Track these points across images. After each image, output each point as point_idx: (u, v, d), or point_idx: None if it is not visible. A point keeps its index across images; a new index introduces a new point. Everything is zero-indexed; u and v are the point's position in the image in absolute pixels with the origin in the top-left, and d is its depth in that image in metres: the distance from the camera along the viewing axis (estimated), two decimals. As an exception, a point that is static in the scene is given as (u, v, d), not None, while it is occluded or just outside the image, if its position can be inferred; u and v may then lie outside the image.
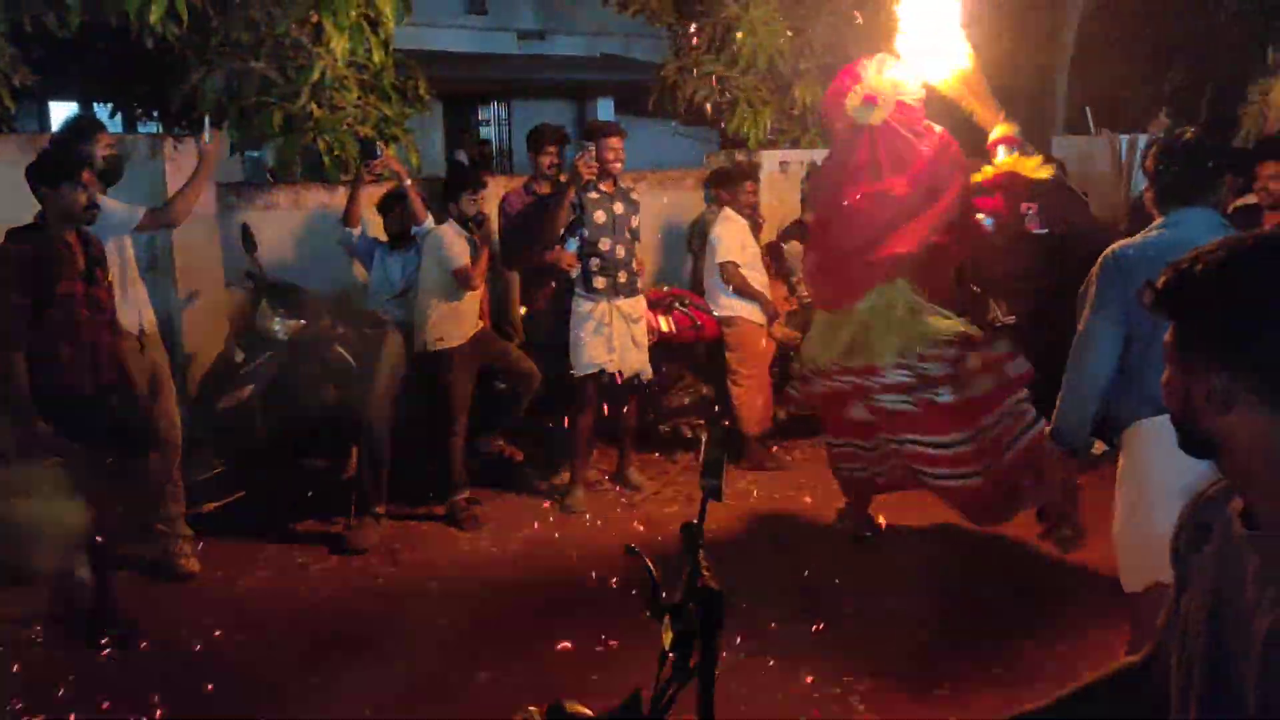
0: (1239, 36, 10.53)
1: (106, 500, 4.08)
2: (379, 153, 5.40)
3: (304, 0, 5.15)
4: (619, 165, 5.44)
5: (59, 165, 4.12)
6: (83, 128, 4.76)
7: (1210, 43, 10.52)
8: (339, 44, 5.11)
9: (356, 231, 5.54)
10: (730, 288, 6.05)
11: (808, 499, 5.73)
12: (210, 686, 3.80)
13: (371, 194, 5.72)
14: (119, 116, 8.17)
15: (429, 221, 5.43)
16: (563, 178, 5.66)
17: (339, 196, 5.76)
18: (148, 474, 4.58)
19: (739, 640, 3.91)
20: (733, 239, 6.06)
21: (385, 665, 3.96)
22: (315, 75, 5.45)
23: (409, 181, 5.39)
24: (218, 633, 4.20)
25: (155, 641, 4.14)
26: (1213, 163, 3.23)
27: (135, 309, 4.68)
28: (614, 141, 5.43)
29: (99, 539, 4.10)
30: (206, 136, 4.97)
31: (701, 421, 6.34)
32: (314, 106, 5.53)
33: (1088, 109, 9.32)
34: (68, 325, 4.08)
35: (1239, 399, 1.24)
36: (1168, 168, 3.21)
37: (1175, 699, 1.40)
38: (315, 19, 5.21)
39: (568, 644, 4.05)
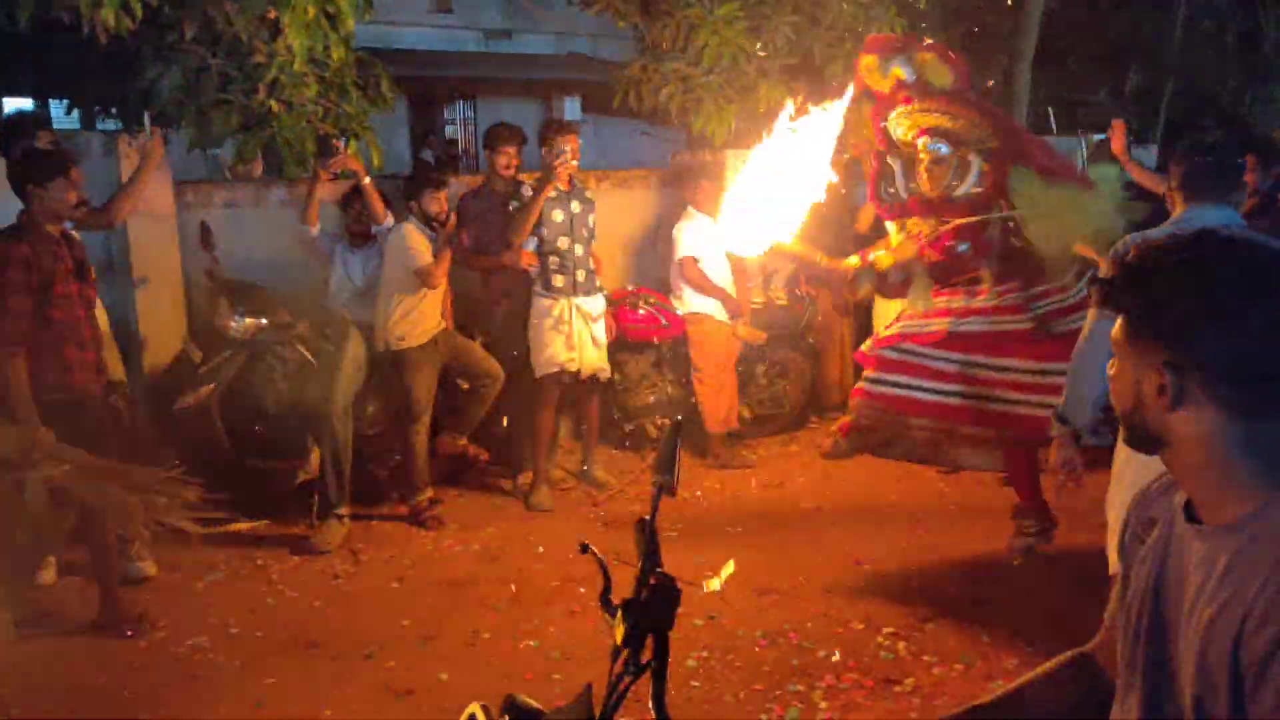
0: (1196, 39, 10.71)
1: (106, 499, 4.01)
2: (335, 150, 5.34)
3: (262, -5, 5.08)
4: (576, 163, 5.44)
5: (51, 162, 4.08)
6: (19, 122, 4.69)
7: (1168, 45, 10.68)
8: (297, 40, 5.03)
9: (314, 230, 5.50)
10: (681, 280, 6.09)
11: (773, 494, 5.76)
12: (164, 686, 3.76)
13: (332, 191, 5.68)
14: (76, 113, 8.03)
15: (389, 220, 5.40)
16: (523, 177, 5.64)
17: (299, 194, 5.71)
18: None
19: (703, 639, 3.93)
20: (693, 236, 6.07)
21: (345, 664, 3.92)
22: (273, 72, 5.37)
23: (367, 179, 5.34)
24: (162, 634, 4.15)
25: (95, 640, 4.09)
26: (1234, 163, 3.35)
27: None
28: (569, 140, 5.44)
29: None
30: (146, 134, 4.92)
31: (667, 420, 6.35)
32: (273, 103, 5.45)
33: (1050, 110, 9.44)
34: (69, 325, 4.06)
35: (1187, 395, 1.25)
36: (1191, 166, 3.29)
37: (1120, 687, 1.42)
38: (273, 15, 5.13)
39: (530, 642, 4.04)
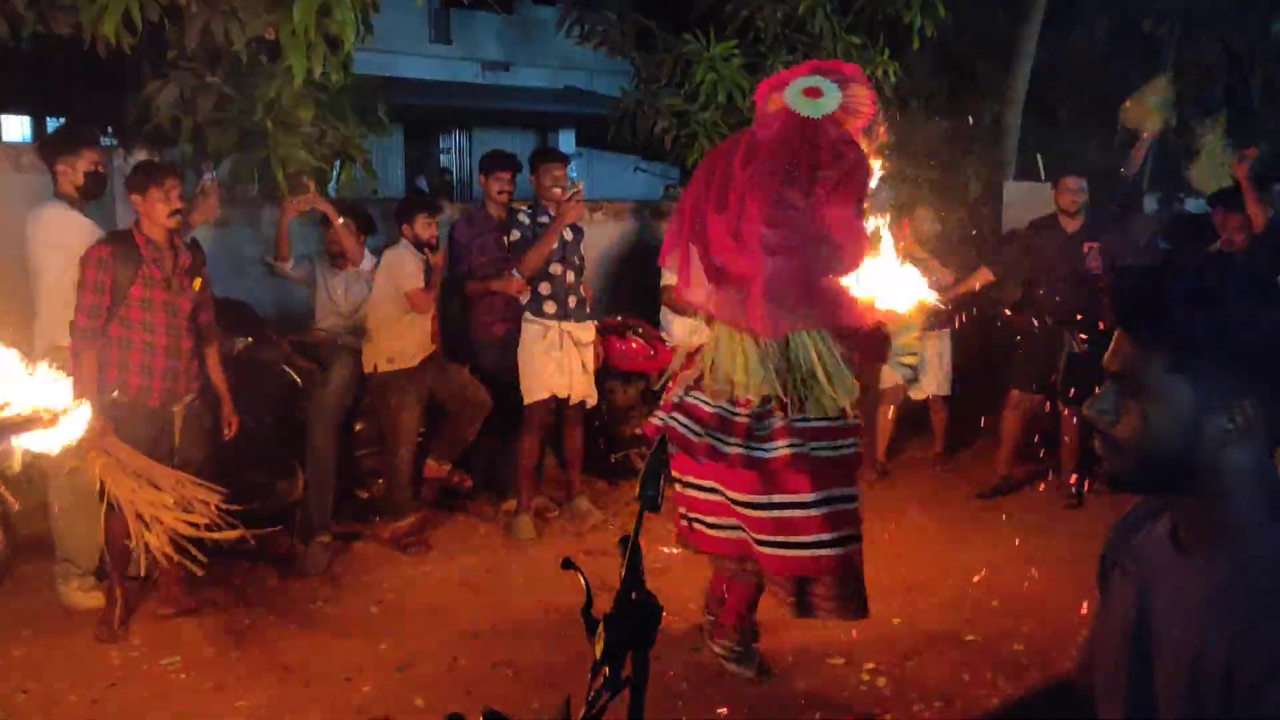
0: (1186, 94, 10.87)
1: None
2: (304, 187, 5.20)
3: (261, 15, 5.11)
4: (559, 190, 5.47)
5: (145, 174, 4.32)
6: (72, 138, 4.71)
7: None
8: (296, 61, 5.06)
9: (288, 266, 5.38)
10: (670, 312, 6.11)
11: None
12: (136, 703, 3.70)
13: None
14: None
15: (367, 262, 5.31)
16: (516, 204, 5.68)
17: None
18: None
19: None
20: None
21: (320, 689, 3.87)
22: (271, 92, 5.40)
23: (339, 220, 5.22)
24: (136, 652, 4.10)
25: (72, 651, 4.03)
26: None
27: None
28: (555, 168, 5.50)
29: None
30: (206, 179, 4.84)
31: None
32: (269, 123, 5.47)
33: (1039, 156, 9.55)
34: (142, 329, 4.20)
35: (1256, 431, 1.20)
36: None
37: (1101, 713, 1.41)
38: (273, 36, 5.17)
39: (508, 671, 4.00)
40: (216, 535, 4.18)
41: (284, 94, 5.40)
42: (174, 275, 4.30)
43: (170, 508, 3.97)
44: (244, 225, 5.99)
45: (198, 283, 4.41)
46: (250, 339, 5.23)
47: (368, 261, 5.34)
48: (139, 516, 3.92)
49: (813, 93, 3.75)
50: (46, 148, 4.74)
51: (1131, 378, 1.25)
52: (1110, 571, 1.45)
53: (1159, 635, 1.29)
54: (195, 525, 4.00)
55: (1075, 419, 5.98)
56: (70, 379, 2.44)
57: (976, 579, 4.74)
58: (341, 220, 5.24)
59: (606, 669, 1.56)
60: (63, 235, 4.39)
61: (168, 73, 5.35)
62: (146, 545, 3.95)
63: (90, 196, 4.63)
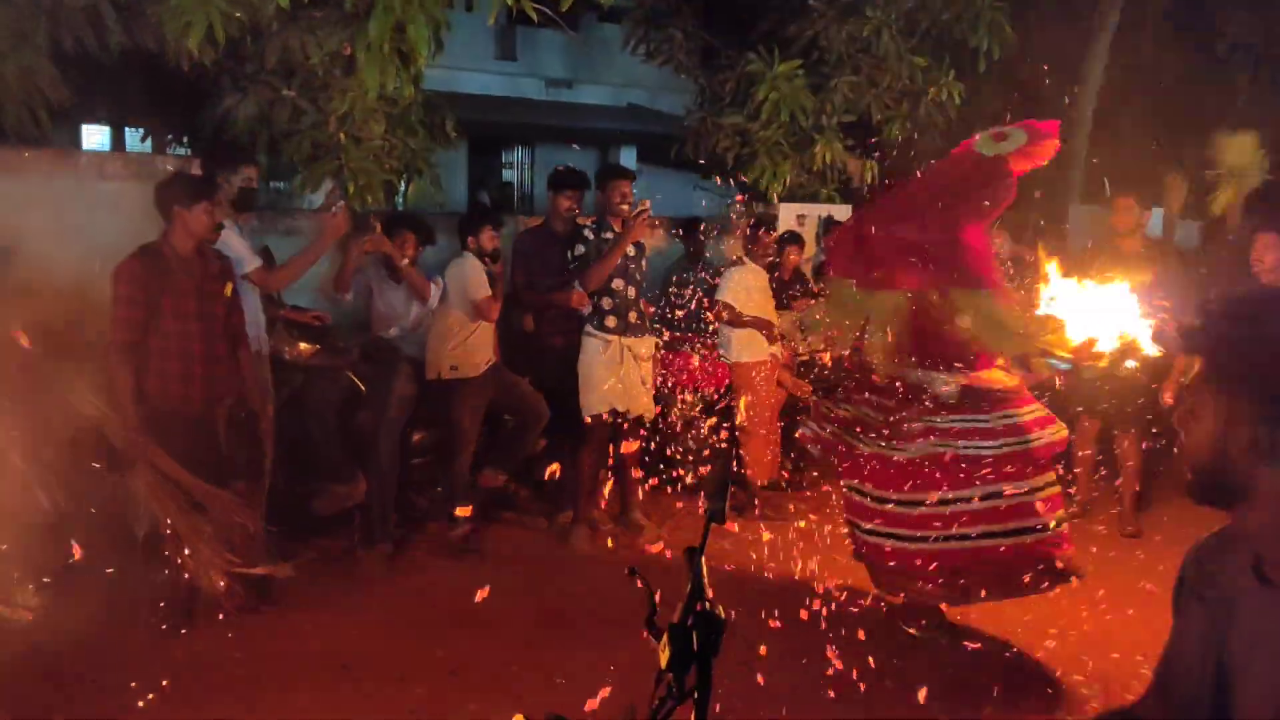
0: (1252, 111, 10.65)
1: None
2: (371, 228, 5.20)
3: (338, 31, 5.25)
4: (626, 207, 5.53)
5: (199, 188, 4.37)
6: (223, 158, 4.89)
7: (1223, 116, 10.63)
8: (370, 76, 5.20)
9: (348, 297, 5.40)
10: (728, 329, 6.13)
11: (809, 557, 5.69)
12: (193, 693, 3.79)
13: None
14: (149, 141, 8.31)
15: (434, 297, 5.36)
16: (580, 220, 5.74)
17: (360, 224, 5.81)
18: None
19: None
20: (738, 284, 6.13)
21: (375, 688, 3.93)
22: (345, 106, 5.54)
23: (404, 262, 5.27)
24: (196, 645, 4.19)
25: (131, 639, 4.14)
26: None
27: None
28: (624, 185, 5.56)
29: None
30: (334, 208, 4.91)
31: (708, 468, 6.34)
32: (342, 136, 5.62)
33: (1105, 179, 9.41)
34: (177, 340, 4.24)
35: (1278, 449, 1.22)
36: None
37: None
38: (348, 50, 5.31)
39: (560, 679, 4.02)
40: (251, 570, 4.27)
41: (357, 108, 5.54)
42: (204, 283, 4.34)
43: (210, 539, 4.04)
44: (313, 234, 6.11)
45: (228, 288, 4.47)
46: (318, 346, 5.34)
47: (434, 294, 5.36)
48: (177, 539, 4.00)
49: (999, 137, 4.46)
50: (207, 162, 4.91)
51: (1193, 391, 1.31)
52: (1187, 600, 1.43)
53: (1241, 667, 1.27)
54: (231, 561, 4.07)
55: (1132, 444, 5.89)
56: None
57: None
58: (405, 262, 5.26)
59: (671, 677, 1.58)
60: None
61: (245, 86, 5.52)
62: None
63: (244, 209, 4.84)
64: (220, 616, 4.41)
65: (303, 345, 5.32)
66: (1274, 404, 1.22)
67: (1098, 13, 9.58)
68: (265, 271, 4.82)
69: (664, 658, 1.60)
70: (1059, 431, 4.29)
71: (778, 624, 4.02)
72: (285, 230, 6.07)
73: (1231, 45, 11.02)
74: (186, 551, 4.06)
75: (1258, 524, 1.29)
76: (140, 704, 3.71)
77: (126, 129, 9.41)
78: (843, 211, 7.69)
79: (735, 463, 6.03)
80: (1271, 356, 1.23)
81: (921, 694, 3.90)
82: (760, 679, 3.82)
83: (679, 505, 6.21)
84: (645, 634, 1.65)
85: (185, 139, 6.96)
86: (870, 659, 4.02)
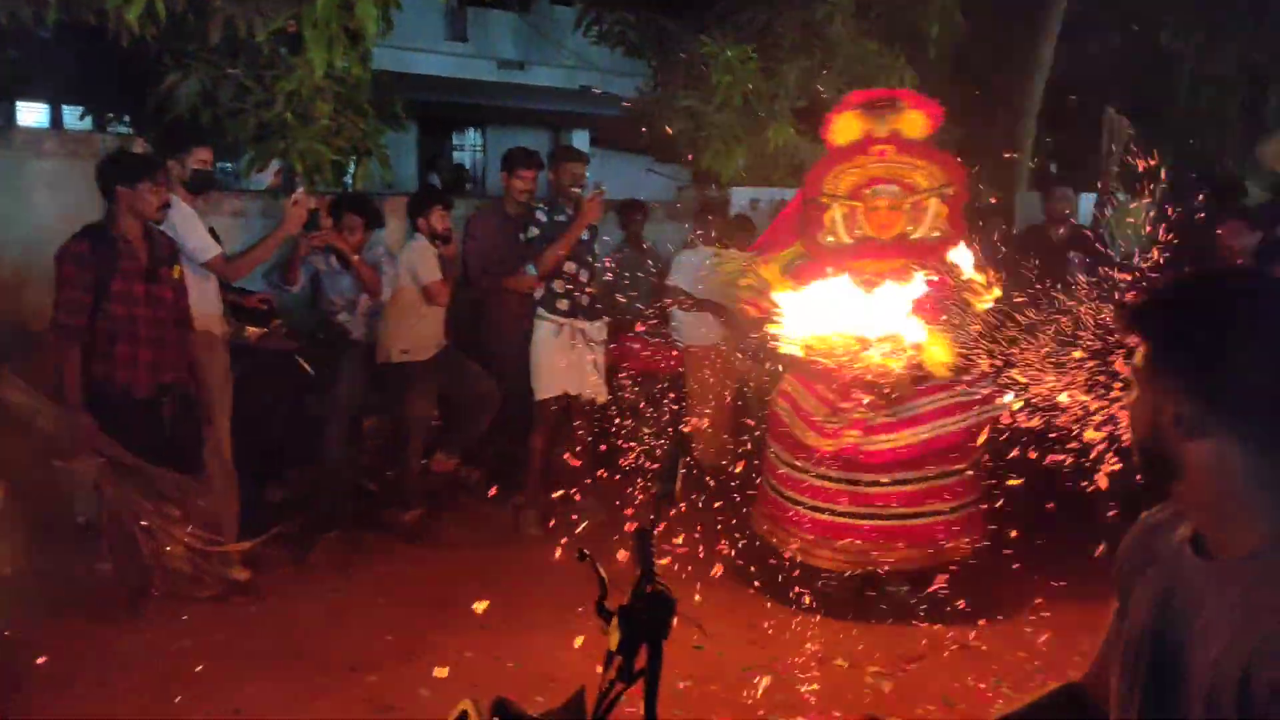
0: (1199, 105, 10.88)
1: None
2: (321, 224, 5.11)
3: (284, 8, 5.15)
4: (578, 191, 5.50)
5: (141, 165, 4.24)
6: (176, 140, 4.79)
7: (1170, 110, 10.85)
8: (317, 55, 5.11)
9: (294, 289, 5.31)
10: (680, 312, 6.14)
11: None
12: (145, 685, 3.73)
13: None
14: (89, 119, 8.11)
15: (386, 291, 5.29)
16: (535, 202, 5.69)
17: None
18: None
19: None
20: (690, 268, 6.13)
21: (327, 677, 3.90)
22: (292, 85, 5.44)
23: (355, 257, 5.18)
24: (147, 636, 4.13)
25: (84, 632, 4.06)
26: None
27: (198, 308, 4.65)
28: (576, 167, 5.52)
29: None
30: (296, 196, 4.84)
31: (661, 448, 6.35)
32: (289, 116, 5.52)
33: (1053, 166, 9.56)
34: (125, 322, 4.14)
35: (1206, 428, 1.25)
36: None
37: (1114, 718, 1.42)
38: (294, 28, 5.21)
39: (512, 664, 4.02)
40: (217, 549, 4.20)
41: (304, 87, 5.44)
42: (153, 267, 4.25)
43: (177, 520, 3.97)
44: (259, 217, 6.01)
45: (177, 270, 4.38)
46: (264, 330, 5.25)
47: (386, 289, 5.29)
48: (142, 526, 3.93)
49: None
50: (159, 144, 4.81)
51: (1135, 368, 1.34)
52: (1127, 576, 1.45)
53: (1180, 640, 1.29)
54: (199, 539, 4.01)
55: None
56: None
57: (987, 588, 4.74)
58: (356, 258, 5.17)
59: (621, 659, 1.58)
60: None
61: (188, 64, 5.39)
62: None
63: (198, 191, 4.76)
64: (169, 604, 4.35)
65: (249, 329, 5.24)
66: (1200, 380, 1.25)
67: (1045, 2, 9.68)
68: (225, 260, 4.73)
69: (614, 640, 1.60)
70: (965, 421, 4.50)
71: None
72: (232, 212, 5.95)
73: (1173, 35, 11.23)
74: (145, 537, 3.97)
75: (1190, 498, 1.32)
76: (84, 698, 3.65)
77: (65, 106, 9.19)
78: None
79: (685, 446, 6.04)
80: (1198, 334, 1.26)
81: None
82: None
83: (631, 488, 6.21)
84: (596, 618, 1.65)
85: (126, 117, 6.81)
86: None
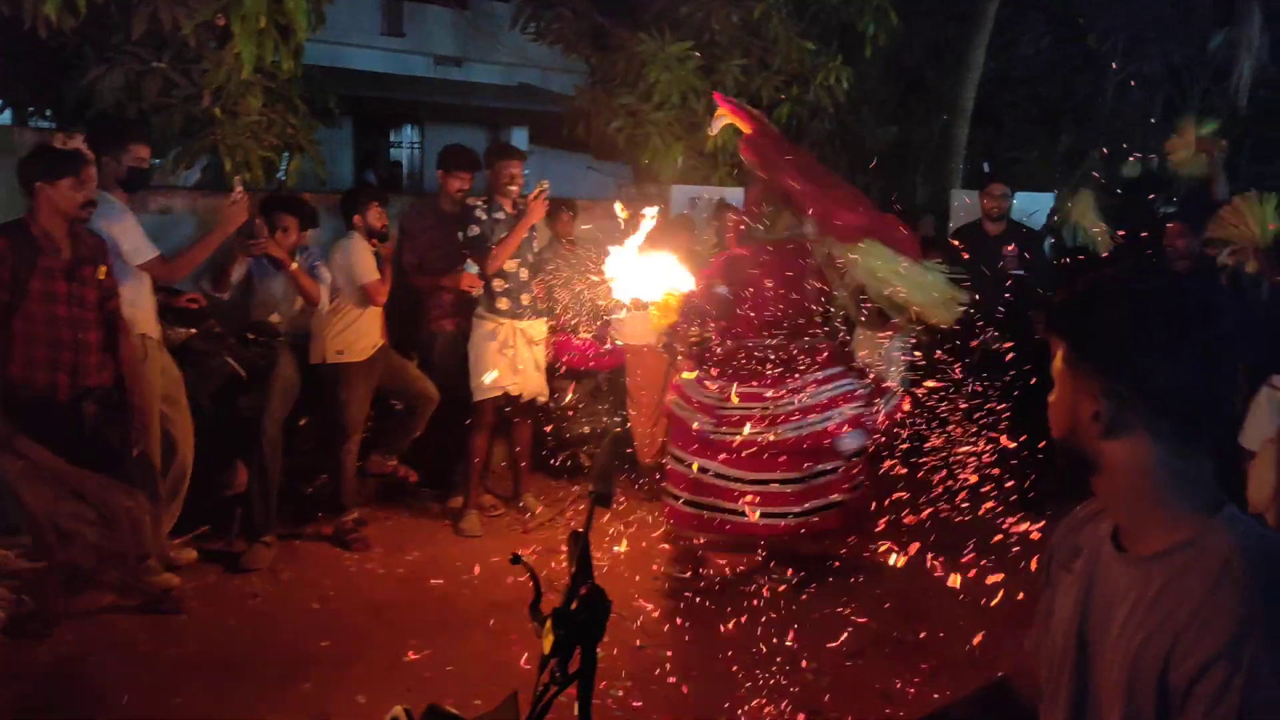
0: (1126, 104, 11.17)
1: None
2: (257, 232, 4.95)
3: (212, 1, 5.02)
4: (516, 189, 5.44)
5: (62, 161, 4.09)
6: (112, 136, 4.63)
7: (1098, 109, 11.13)
8: (246, 49, 4.98)
9: (226, 297, 5.16)
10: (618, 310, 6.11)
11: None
12: (65, 699, 3.61)
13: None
14: (8, 113, 7.85)
15: (324, 299, 5.16)
16: (470, 200, 5.63)
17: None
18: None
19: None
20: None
21: (258, 686, 3.81)
22: (220, 80, 5.31)
23: (294, 266, 5.03)
24: (67, 647, 4.00)
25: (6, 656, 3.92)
26: None
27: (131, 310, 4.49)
28: (513, 165, 5.45)
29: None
30: (235, 194, 4.71)
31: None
32: (217, 111, 5.39)
33: (986, 166, 9.74)
34: (45, 322, 4.00)
35: (1123, 424, 1.28)
36: None
37: (1043, 712, 1.43)
38: (222, 22, 5.08)
39: (450, 667, 3.97)
40: (139, 551, 4.08)
41: (232, 82, 5.31)
42: (75, 266, 4.12)
43: (93, 522, 3.84)
44: (186, 214, 5.87)
45: (102, 271, 4.24)
46: (194, 330, 5.12)
47: (325, 297, 5.16)
48: (57, 529, 3.80)
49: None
50: (93, 139, 4.64)
51: (1055, 368, 1.37)
52: (1056, 570, 1.47)
53: (1100, 634, 1.32)
54: (120, 540, 3.89)
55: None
56: None
57: (925, 580, 4.80)
58: (295, 266, 5.03)
59: (554, 663, 1.56)
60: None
61: (111, 57, 5.24)
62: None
63: (134, 190, 4.66)
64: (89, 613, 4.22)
65: (179, 329, 5.11)
66: (1116, 379, 1.28)
67: (978, 3, 9.85)
68: (163, 261, 4.59)
69: (548, 643, 1.58)
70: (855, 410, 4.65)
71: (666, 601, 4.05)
72: (158, 209, 5.80)
73: (1101, 37, 11.52)
74: (59, 541, 3.84)
75: (1109, 495, 1.35)
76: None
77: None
78: (735, 194, 7.74)
79: (620, 446, 6.03)
80: (1114, 334, 1.29)
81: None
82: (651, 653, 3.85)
83: (571, 488, 6.19)
84: (531, 622, 1.63)
85: (48, 111, 6.60)
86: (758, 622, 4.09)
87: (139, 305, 4.54)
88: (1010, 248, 6.36)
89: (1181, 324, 1.26)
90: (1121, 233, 6.62)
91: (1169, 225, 6.03)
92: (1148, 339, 1.26)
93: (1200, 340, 1.25)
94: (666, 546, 4.98)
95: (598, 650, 1.56)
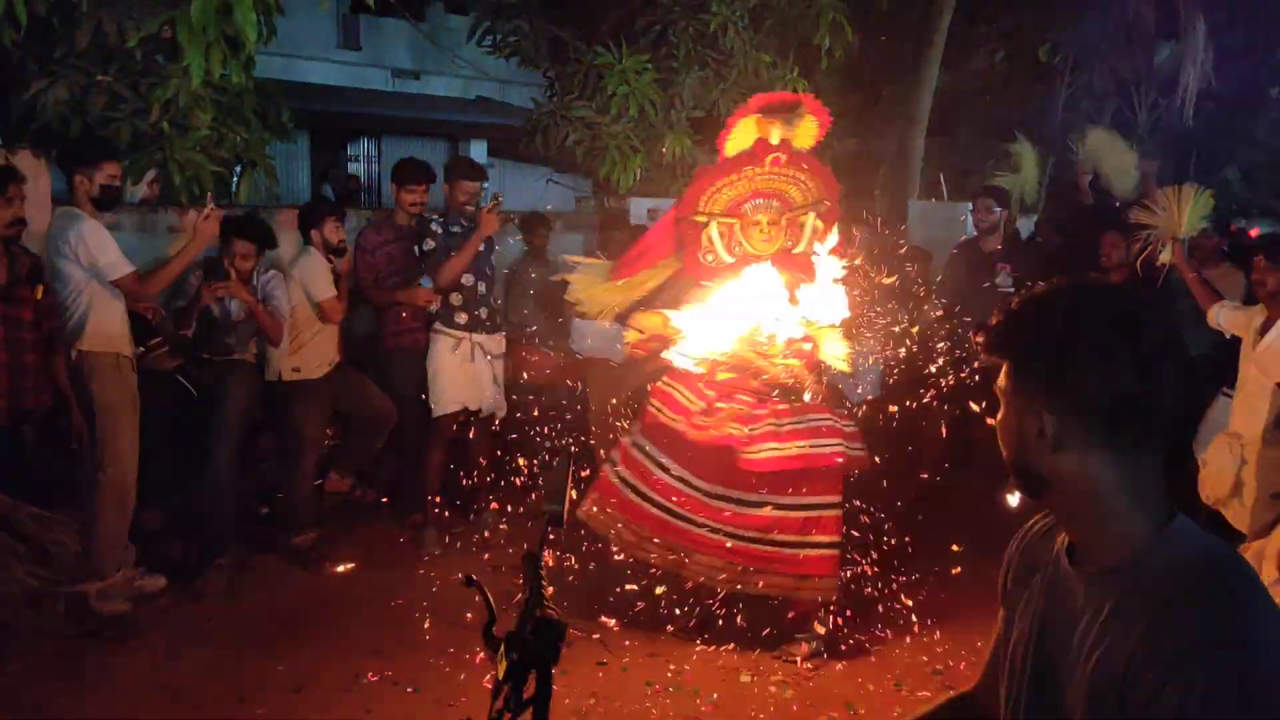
0: (1077, 118, 11.33)
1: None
2: (226, 273, 4.89)
3: (158, 13, 4.92)
4: (470, 208, 5.40)
5: None
6: (85, 155, 4.52)
7: (1050, 122, 11.29)
8: (195, 62, 4.89)
9: (189, 333, 5.03)
10: (581, 323, 6.06)
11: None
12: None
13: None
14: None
15: (285, 340, 5.08)
16: (429, 214, 5.57)
17: (189, 221, 5.47)
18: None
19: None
20: (588, 280, 6.06)
21: (211, 712, 3.72)
22: (168, 93, 5.21)
23: (259, 307, 4.96)
24: (5, 679, 3.88)
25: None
26: None
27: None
28: (470, 185, 5.43)
29: None
30: (206, 211, 4.64)
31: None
32: (165, 125, 5.28)
33: (942, 177, 9.83)
34: None
35: (1067, 439, 1.27)
36: None
37: (1002, 730, 1.42)
38: (170, 35, 4.99)
39: (410, 688, 3.90)
40: (71, 590, 3.97)
41: (181, 95, 5.22)
42: (11, 285, 4.02)
43: (21, 556, 3.74)
44: (136, 231, 5.75)
45: (39, 290, 4.15)
46: (143, 349, 5.01)
47: (285, 337, 5.06)
48: None
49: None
50: (64, 158, 4.57)
51: (999, 388, 1.37)
52: (1013, 587, 1.46)
53: (1059, 649, 1.31)
54: (54, 571, 3.78)
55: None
56: None
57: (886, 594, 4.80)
58: (260, 308, 4.94)
59: (508, 688, 1.52)
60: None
61: (55, 71, 5.13)
62: None
63: (106, 208, 4.57)
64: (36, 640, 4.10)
65: (139, 348, 4.98)
66: (1056, 395, 1.28)
67: (931, 18, 9.96)
68: (138, 279, 4.50)
69: (501, 669, 1.54)
70: (838, 446, 4.28)
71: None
72: (106, 226, 5.67)
73: (1052, 48, 11.71)
74: None
75: (1061, 510, 1.35)
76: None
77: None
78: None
79: (576, 463, 5.95)
80: (1048, 349, 1.29)
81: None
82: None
83: (527, 505, 6.13)
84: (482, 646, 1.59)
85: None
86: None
87: (111, 323, 4.45)
88: (1004, 266, 6.18)
89: (1110, 334, 1.26)
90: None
91: (1104, 235, 6.09)
92: (1079, 352, 1.26)
93: (1130, 349, 1.25)
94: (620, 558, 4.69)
95: (553, 673, 1.53)
